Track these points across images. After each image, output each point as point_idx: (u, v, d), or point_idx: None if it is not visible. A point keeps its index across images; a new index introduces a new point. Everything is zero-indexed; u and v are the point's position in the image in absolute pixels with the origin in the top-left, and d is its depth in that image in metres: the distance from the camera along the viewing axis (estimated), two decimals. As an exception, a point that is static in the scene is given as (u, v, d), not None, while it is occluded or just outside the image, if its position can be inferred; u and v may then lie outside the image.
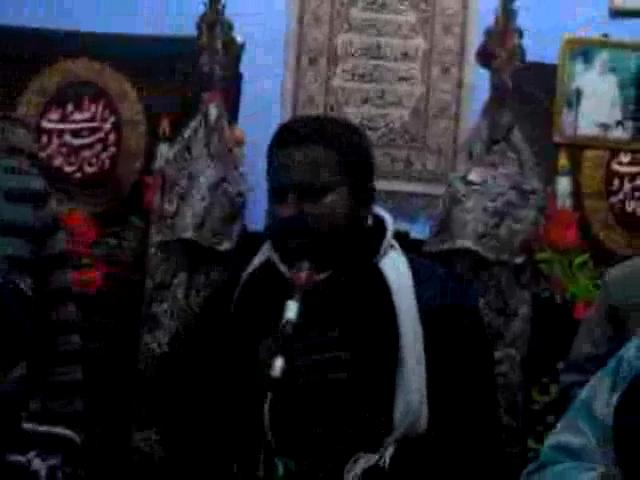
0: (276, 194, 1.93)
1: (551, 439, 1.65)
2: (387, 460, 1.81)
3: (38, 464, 1.97)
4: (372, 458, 1.82)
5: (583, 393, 1.65)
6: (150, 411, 3.33)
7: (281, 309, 1.80)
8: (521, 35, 3.47)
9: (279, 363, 1.74)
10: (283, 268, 1.92)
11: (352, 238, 1.92)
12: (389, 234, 1.97)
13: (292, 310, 1.79)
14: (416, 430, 1.83)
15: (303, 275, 1.84)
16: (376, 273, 1.92)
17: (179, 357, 2.17)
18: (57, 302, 2.68)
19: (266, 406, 1.77)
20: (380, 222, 1.99)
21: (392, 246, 1.97)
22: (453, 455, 1.85)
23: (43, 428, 2.08)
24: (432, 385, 1.85)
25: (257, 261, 2.00)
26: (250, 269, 1.99)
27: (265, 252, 2.00)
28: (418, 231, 3.54)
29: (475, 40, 3.62)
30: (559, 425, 1.67)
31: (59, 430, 2.10)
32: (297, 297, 1.81)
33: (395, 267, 1.93)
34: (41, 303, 2.64)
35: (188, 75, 3.58)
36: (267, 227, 1.98)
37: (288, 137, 1.93)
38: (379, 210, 2.01)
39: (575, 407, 1.63)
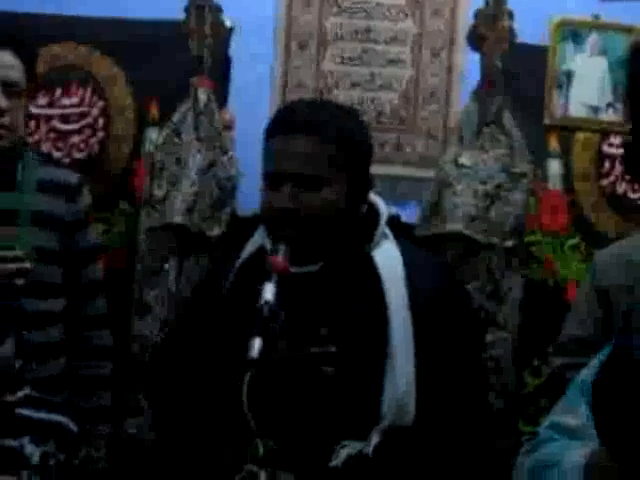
0: (271, 181, 1.90)
1: (549, 419, 1.65)
2: (371, 449, 1.81)
3: (31, 449, 1.97)
4: (357, 446, 1.82)
5: (580, 376, 1.64)
6: (144, 396, 3.33)
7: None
8: (511, 17, 3.46)
9: (257, 344, 1.74)
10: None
11: (345, 228, 1.91)
12: (383, 222, 1.96)
13: (269, 292, 1.80)
14: (403, 420, 1.83)
15: (280, 258, 1.84)
16: (368, 263, 1.91)
17: (170, 343, 2.17)
18: (89, 296, 2.71)
19: (244, 387, 1.77)
20: (374, 209, 1.98)
21: (385, 234, 1.96)
22: (441, 445, 1.85)
23: (39, 414, 2.09)
24: (422, 374, 1.85)
25: (251, 247, 2.00)
26: (244, 255, 1.99)
27: (258, 238, 1.99)
28: (408, 215, 3.53)
29: (465, 23, 3.60)
30: (555, 407, 1.67)
31: (54, 417, 2.11)
32: (274, 279, 1.81)
33: (387, 257, 1.92)
34: (73, 297, 2.65)
35: (177, 59, 3.56)
36: (260, 212, 1.95)
37: (288, 123, 1.90)
38: (373, 196, 2.00)
39: (572, 390, 1.63)
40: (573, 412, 1.59)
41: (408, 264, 1.91)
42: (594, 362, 1.63)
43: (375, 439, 1.81)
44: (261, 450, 1.83)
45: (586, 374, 1.63)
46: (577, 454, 1.50)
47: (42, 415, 2.00)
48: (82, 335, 2.72)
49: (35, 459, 1.96)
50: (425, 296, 1.88)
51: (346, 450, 1.81)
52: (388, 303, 1.87)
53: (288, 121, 1.91)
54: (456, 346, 1.90)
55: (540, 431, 1.65)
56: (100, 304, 2.79)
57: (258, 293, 1.83)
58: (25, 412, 1.99)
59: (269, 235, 1.93)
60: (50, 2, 3.62)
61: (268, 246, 1.93)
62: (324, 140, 1.87)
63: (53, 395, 2.40)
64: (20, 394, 2.04)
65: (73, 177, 2.74)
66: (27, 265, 2.45)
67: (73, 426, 2.08)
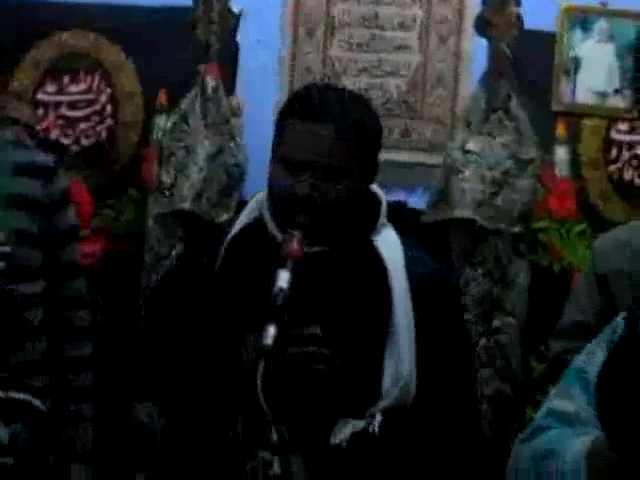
0: (290, 166, 1.88)
1: (545, 406, 1.66)
2: (377, 427, 1.83)
3: (1, 430, 1.97)
4: (360, 424, 1.84)
5: (576, 362, 1.65)
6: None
7: (269, 272, 1.81)
8: (519, 3, 3.46)
9: (271, 332, 1.75)
10: (275, 230, 1.92)
11: (353, 215, 1.93)
12: (384, 210, 1.98)
13: (284, 279, 1.80)
14: (405, 399, 1.86)
15: (296, 245, 1.84)
16: (371, 248, 1.94)
17: (156, 322, 2.12)
18: (67, 277, 2.70)
19: (259, 375, 1.78)
20: (373, 196, 1.99)
21: (384, 222, 1.98)
22: (434, 425, 1.88)
23: (7, 394, 2.08)
24: (417, 358, 1.88)
25: (244, 219, 1.98)
26: (236, 228, 1.97)
27: (254, 211, 1.98)
28: (416, 201, 3.54)
29: (473, 9, 3.60)
30: (552, 392, 1.68)
31: (19, 395, 2.10)
32: (289, 266, 1.81)
33: (389, 243, 1.95)
34: (51, 278, 2.65)
35: (184, 46, 3.56)
36: (276, 194, 1.91)
37: (309, 110, 1.88)
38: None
39: (568, 375, 1.64)
40: (569, 398, 1.60)
41: (406, 251, 1.95)
42: (589, 348, 1.64)
43: (379, 417, 1.84)
44: (275, 437, 1.84)
45: (582, 360, 1.64)
46: (578, 443, 1.51)
47: (9, 395, 1.99)
48: (62, 316, 2.71)
49: (4, 439, 1.95)
50: (420, 282, 1.92)
51: (349, 427, 1.83)
52: (392, 286, 1.89)
53: (309, 108, 1.88)
54: (448, 330, 1.94)
55: (537, 417, 1.67)
56: (79, 285, 2.77)
57: (253, 269, 1.84)
58: None
59: (280, 218, 1.92)
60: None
61: (267, 220, 1.92)
62: (344, 131, 1.87)
63: (35, 378, 2.41)
64: None
65: (49, 159, 2.71)
66: (7, 249, 2.45)
67: (42, 406, 2.07)
